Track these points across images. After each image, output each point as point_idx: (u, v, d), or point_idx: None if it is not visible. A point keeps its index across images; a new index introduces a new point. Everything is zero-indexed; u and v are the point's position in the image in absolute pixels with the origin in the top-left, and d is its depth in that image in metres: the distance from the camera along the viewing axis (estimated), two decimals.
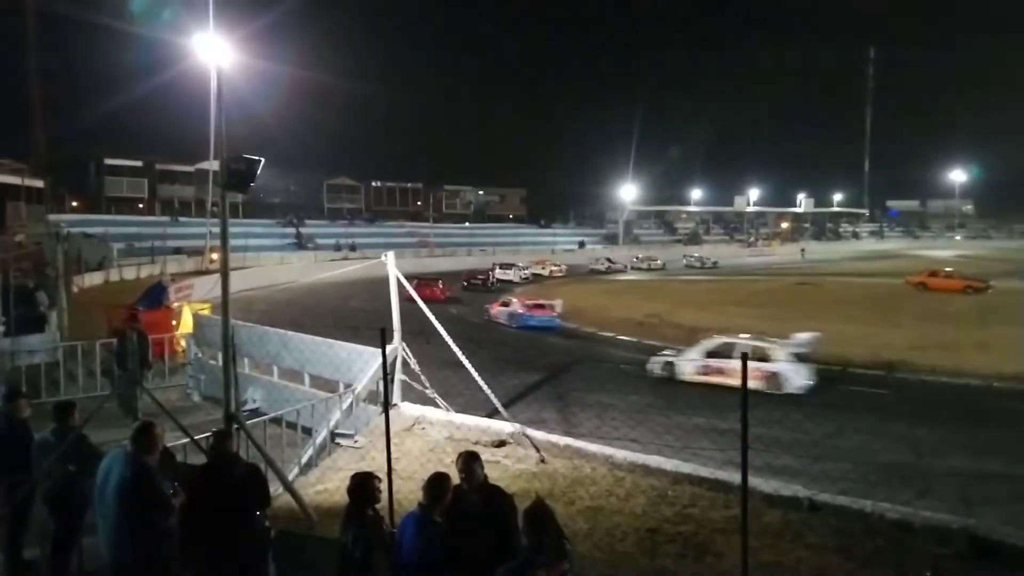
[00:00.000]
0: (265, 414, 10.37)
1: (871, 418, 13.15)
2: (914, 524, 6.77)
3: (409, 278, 36.18)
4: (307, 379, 12.19)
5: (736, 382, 19.76)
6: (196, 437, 6.33)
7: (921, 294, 38.21)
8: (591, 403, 14.03)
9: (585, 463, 8.85)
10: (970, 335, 23.66)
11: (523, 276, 50.84)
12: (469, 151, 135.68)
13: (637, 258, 67.14)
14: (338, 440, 10.11)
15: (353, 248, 58.05)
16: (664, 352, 18.32)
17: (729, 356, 15.39)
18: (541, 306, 27.72)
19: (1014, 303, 33.50)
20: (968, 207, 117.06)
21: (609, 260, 63.69)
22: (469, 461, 4.53)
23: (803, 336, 17.58)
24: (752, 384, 18.98)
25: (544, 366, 17.83)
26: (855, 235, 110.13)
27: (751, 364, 19.06)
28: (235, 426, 7.21)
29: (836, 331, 24.72)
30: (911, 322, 27.32)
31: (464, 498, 4.36)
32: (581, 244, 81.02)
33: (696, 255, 72.46)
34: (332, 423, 10.12)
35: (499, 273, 48.88)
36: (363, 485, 4.38)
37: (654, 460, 8.65)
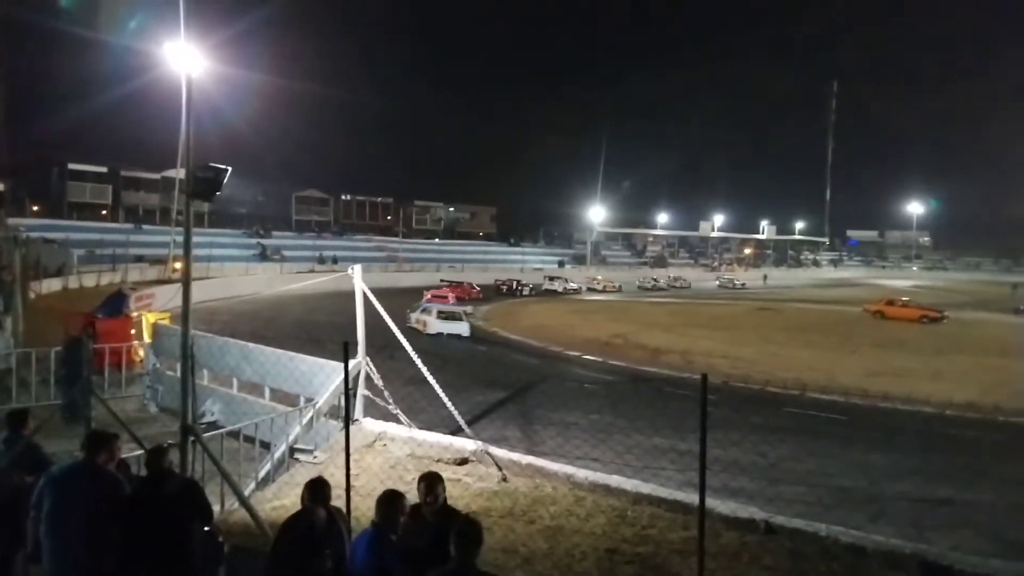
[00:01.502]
0: (223, 427, 10.20)
1: (826, 442, 13.41)
2: (867, 548, 6.85)
3: (440, 282, 47.15)
4: (267, 392, 12.02)
5: (424, 330, 26.84)
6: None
7: (878, 322, 39.17)
8: (554, 422, 14.07)
9: (547, 482, 8.85)
10: (925, 364, 24.32)
11: (566, 288, 61.57)
12: (441, 167, 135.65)
13: (670, 277, 77.28)
14: (297, 455, 9.97)
15: (335, 261, 58.57)
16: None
17: (427, 312, 28.53)
18: (444, 297, 39.95)
19: (968, 333, 34.60)
20: (925, 239, 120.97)
21: (655, 279, 74.25)
22: (433, 484, 4.46)
23: (467, 307, 32.74)
24: (416, 326, 25.61)
25: (509, 384, 17.83)
26: (815, 263, 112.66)
27: (421, 316, 27.04)
28: (192, 439, 7.10)
29: (795, 356, 25.25)
30: (868, 349, 27.97)
31: (423, 519, 4.33)
32: (561, 263, 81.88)
33: (728, 277, 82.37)
34: (291, 438, 9.98)
35: (547, 284, 61.70)
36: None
37: (615, 480, 8.67)
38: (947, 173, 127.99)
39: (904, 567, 6.51)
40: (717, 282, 78.87)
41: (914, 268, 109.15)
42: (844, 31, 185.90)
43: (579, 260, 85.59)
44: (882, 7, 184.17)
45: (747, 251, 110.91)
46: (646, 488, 8.40)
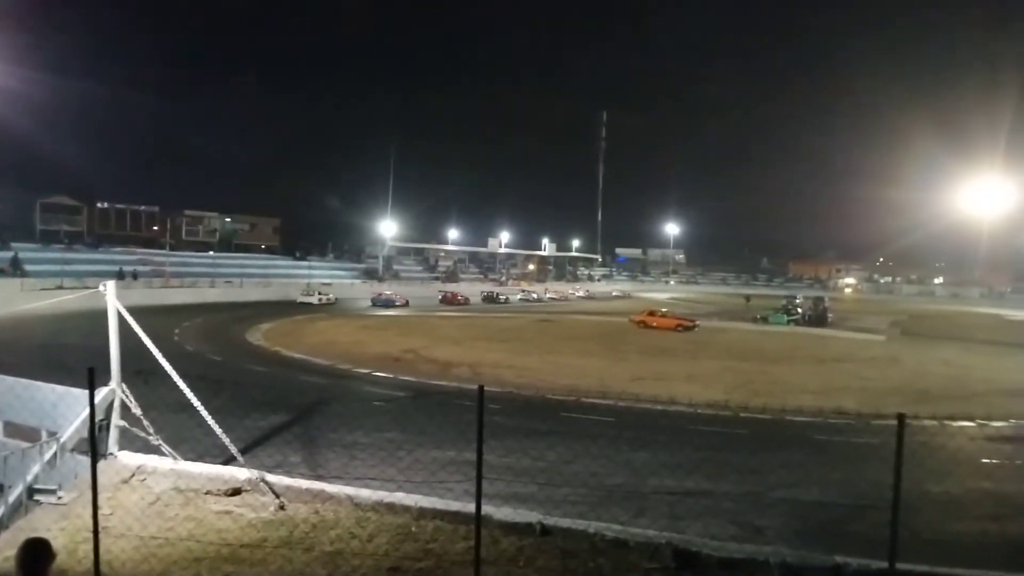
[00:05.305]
0: None
1: (598, 444, 14.42)
2: (629, 541, 7.44)
3: (438, 292, 65.76)
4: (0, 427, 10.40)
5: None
6: None
7: (642, 331, 43.10)
8: (339, 442, 13.70)
9: (328, 506, 8.56)
10: (680, 368, 27.19)
11: (534, 298, 76.93)
12: (216, 175, 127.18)
13: (586, 291, 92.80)
14: (37, 497, 8.73)
15: (136, 276, 55.61)
16: None
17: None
18: (384, 295, 59.51)
19: (715, 339, 39.27)
20: (680, 256, 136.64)
21: (588, 290, 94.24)
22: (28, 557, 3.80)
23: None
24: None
25: (294, 407, 17.07)
26: (590, 277, 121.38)
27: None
28: None
29: (572, 364, 26.97)
30: (634, 356, 30.66)
31: None
32: (380, 279, 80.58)
33: (619, 289, 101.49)
34: (30, 477, 8.72)
35: (522, 295, 78.41)
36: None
37: (398, 497, 8.61)
38: (698, 197, 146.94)
39: (660, 556, 7.19)
40: (614, 292, 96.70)
41: (672, 282, 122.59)
42: (616, 63, 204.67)
43: (371, 274, 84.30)
44: (648, 43, 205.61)
45: (531, 266, 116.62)
46: (428, 502, 8.47)
